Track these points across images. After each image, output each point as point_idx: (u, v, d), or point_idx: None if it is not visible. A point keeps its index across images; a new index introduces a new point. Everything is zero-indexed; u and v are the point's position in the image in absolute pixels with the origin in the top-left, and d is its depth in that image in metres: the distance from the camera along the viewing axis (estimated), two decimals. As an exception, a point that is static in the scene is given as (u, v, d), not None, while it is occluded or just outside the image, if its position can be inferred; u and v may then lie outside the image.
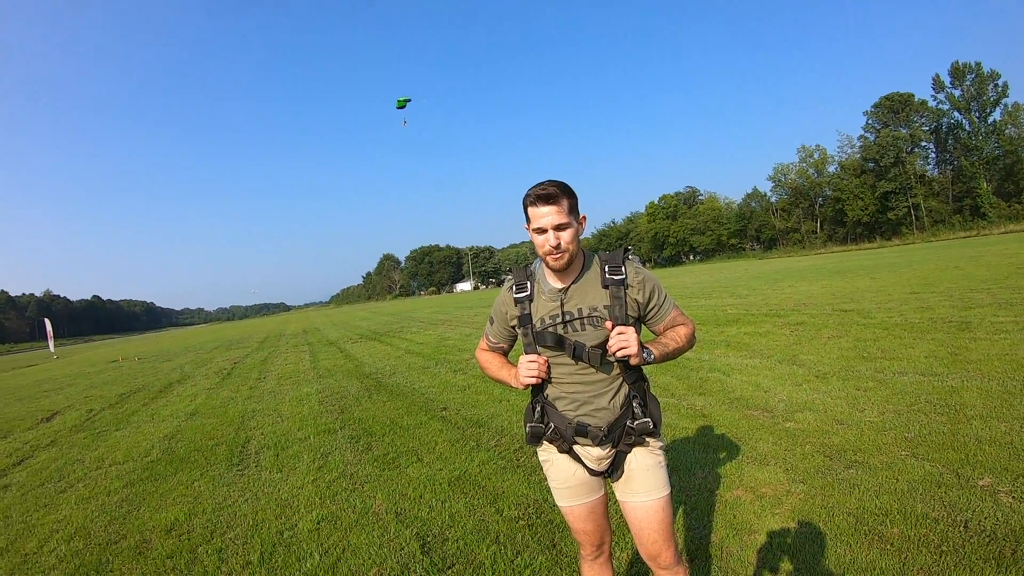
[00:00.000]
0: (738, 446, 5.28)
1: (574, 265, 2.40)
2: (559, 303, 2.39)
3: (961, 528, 3.51)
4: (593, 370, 2.38)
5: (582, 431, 2.42)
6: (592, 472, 2.50)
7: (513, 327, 2.59)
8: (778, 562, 3.43)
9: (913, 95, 73.46)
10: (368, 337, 23.53)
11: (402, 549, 4.17)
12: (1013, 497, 3.80)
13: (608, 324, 2.32)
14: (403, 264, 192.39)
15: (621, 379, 2.42)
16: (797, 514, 3.92)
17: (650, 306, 2.45)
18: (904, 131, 72.39)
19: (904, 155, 71.71)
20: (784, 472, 4.59)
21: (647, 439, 2.44)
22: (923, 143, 73.44)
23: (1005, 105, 66.92)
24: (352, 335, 26.01)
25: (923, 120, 72.92)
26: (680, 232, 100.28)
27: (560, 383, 2.45)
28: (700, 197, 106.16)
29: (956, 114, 70.54)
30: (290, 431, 8.08)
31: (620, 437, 2.43)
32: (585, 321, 2.36)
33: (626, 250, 2.47)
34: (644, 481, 2.44)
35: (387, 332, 24.80)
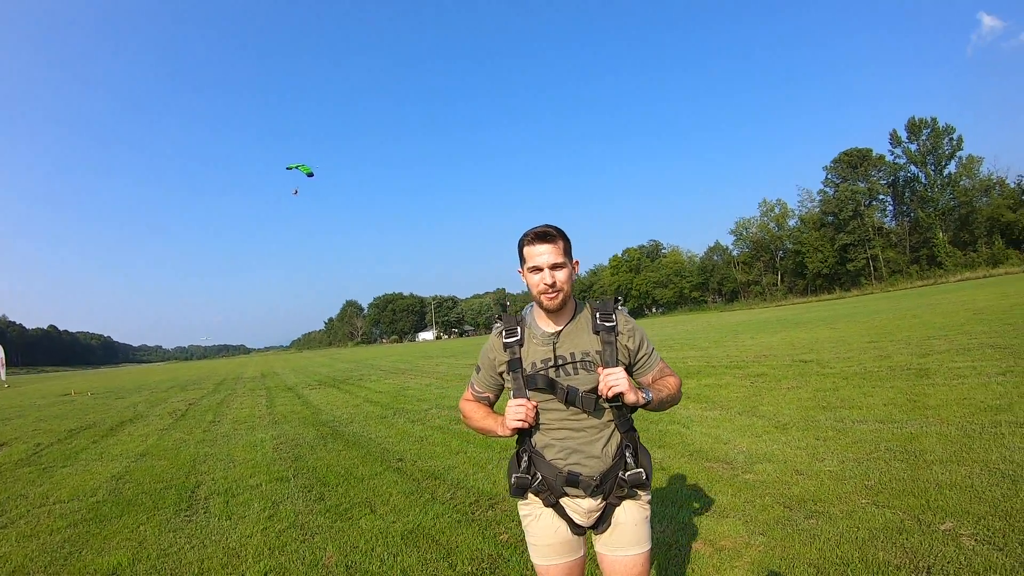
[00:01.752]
0: (697, 499, 5.25)
1: (566, 309, 2.42)
2: (551, 347, 2.40)
3: (924, 574, 3.51)
4: (584, 416, 2.36)
5: (573, 481, 2.37)
6: (576, 529, 2.44)
7: (501, 374, 2.55)
8: (738, 618, 3.37)
9: (871, 150, 77.09)
10: (327, 384, 23.17)
11: (349, 610, 4.02)
12: (976, 540, 3.82)
13: (600, 369, 2.30)
14: (366, 311, 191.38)
15: (613, 427, 2.40)
16: (757, 566, 3.88)
17: (639, 355, 2.47)
18: (862, 185, 75.41)
19: (862, 208, 74.44)
20: (743, 524, 4.56)
21: (638, 492, 2.42)
22: (881, 196, 76.67)
23: (960, 158, 70.65)
24: (311, 381, 25.56)
25: (881, 174, 76.17)
26: (643, 285, 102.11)
27: (549, 430, 2.42)
28: (663, 250, 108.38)
29: (912, 168, 74.10)
30: (242, 477, 7.84)
31: (611, 489, 2.39)
32: (578, 365, 2.37)
33: (616, 300, 2.50)
34: (630, 535, 2.41)
35: (346, 379, 24.45)
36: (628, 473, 2.37)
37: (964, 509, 4.29)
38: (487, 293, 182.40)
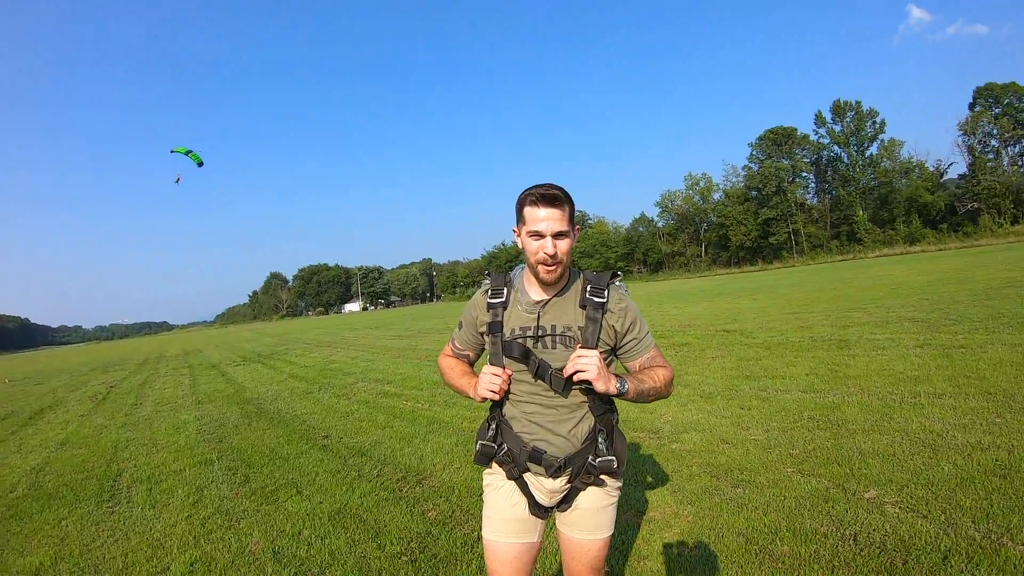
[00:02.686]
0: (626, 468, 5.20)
1: (561, 279, 2.26)
2: (535, 316, 2.25)
3: (851, 542, 3.54)
4: (554, 394, 2.23)
5: (536, 457, 2.26)
6: (535, 509, 2.34)
7: (482, 334, 2.42)
8: (666, 589, 3.33)
9: (796, 129, 78.94)
10: (251, 360, 22.63)
11: (274, 594, 3.84)
12: (899, 508, 3.88)
13: (578, 346, 2.18)
14: (291, 283, 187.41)
15: (586, 409, 2.27)
16: (687, 536, 3.86)
17: (628, 338, 2.29)
18: (786, 162, 77.38)
19: (786, 184, 76.43)
20: (671, 494, 4.55)
21: (606, 479, 2.30)
22: (804, 173, 78.99)
23: (882, 140, 73.24)
24: (235, 357, 24.89)
25: (804, 152, 78.30)
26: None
27: (518, 402, 2.31)
28: (589, 221, 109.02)
29: (836, 148, 76.31)
30: (165, 463, 7.51)
31: (578, 472, 2.28)
32: (558, 339, 2.23)
33: (614, 274, 2.33)
34: (590, 520, 2.32)
35: (271, 354, 23.97)
36: (599, 459, 2.25)
37: (887, 477, 4.37)
38: (413, 263, 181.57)
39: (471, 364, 2.59)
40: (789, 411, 6.39)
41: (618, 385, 2.11)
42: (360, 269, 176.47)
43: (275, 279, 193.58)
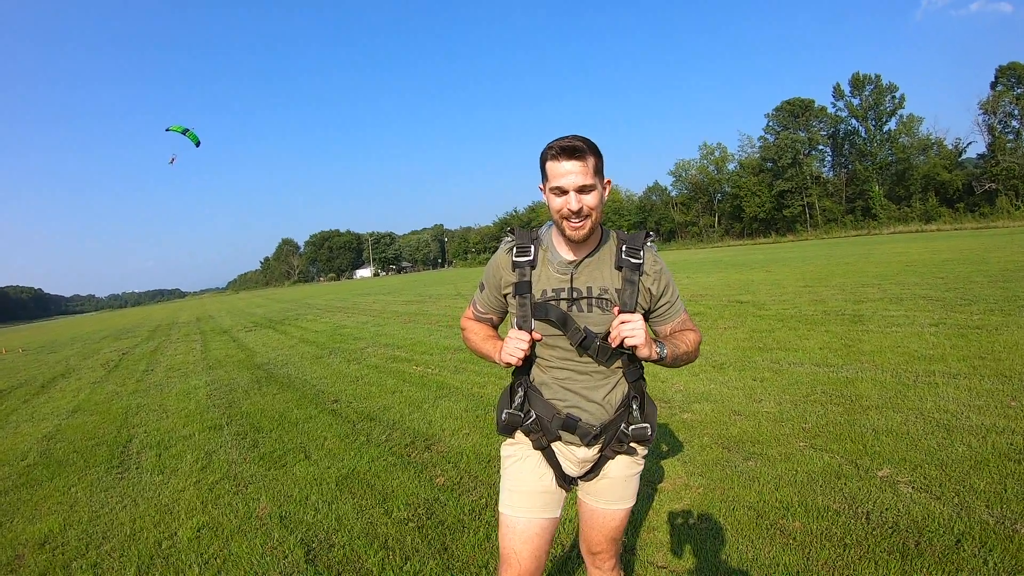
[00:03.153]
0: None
1: (592, 237, 2.13)
2: (568, 276, 2.13)
3: (863, 520, 3.51)
4: (591, 360, 2.13)
5: (570, 425, 2.16)
6: (562, 481, 2.25)
7: (506, 296, 2.28)
8: (679, 559, 3.33)
9: (814, 101, 77.65)
10: (263, 325, 22.79)
11: (286, 558, 3.86)
12: (913, 487, 3.85)
13: (615, 309, 2.07)
14: (302, 249, 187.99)
15: (620, 375, 2.18)
16: (697, 508, 3.85)
17: (662, 302, 2.21)
18: (803, 134, 76.40)
19: (801, 157, 75.59)
20: (682, 465, 4.54)
21: (637, 448, 2.23)
22: (820, 146, 77.90)
23: (900, 116, 71.92)
24: (246, 323, 25.09)
25: (821, 125, 77.17)
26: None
27: (549, 367, 2.19)
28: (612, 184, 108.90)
29: (853, 121, 75.13)
30: (174, 428, 7.59)
31: (610, 441, 2.20)
32: (594, 302, 2.12)
33: (648, 235, 2.22)
34: (617, 490, 2.26)
35: (282, 320, 24.11)
36: (632, 427, 2.18)
37: (901, 456, 4.33)
38: (424, 229, 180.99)
39: (495, 327, 2.47)
40: (802, 384, 6.35)
41: (659, 350, 2.06)
42: (371, 235, 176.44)
43: (287, 245, 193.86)
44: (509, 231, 2.29)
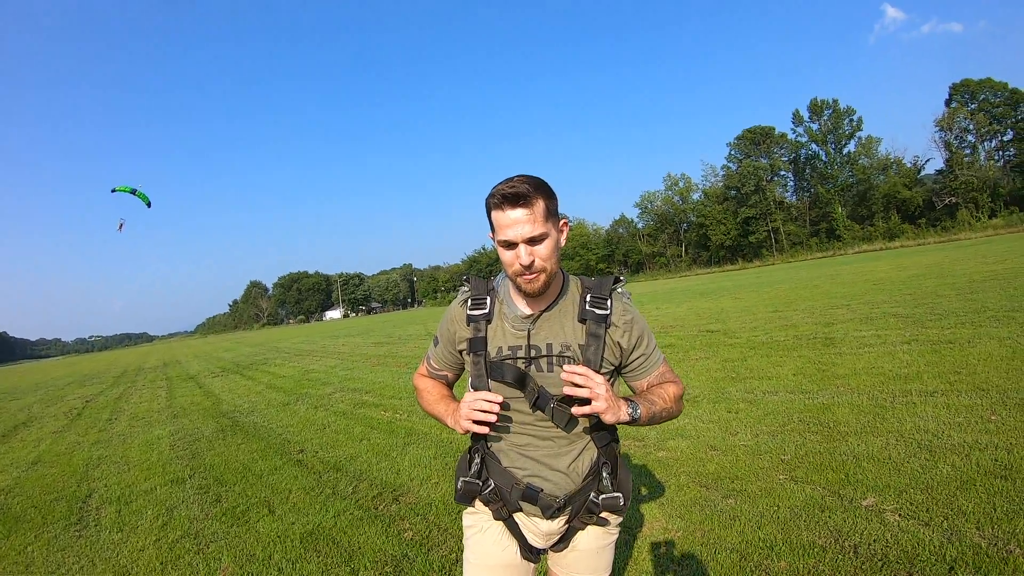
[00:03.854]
0: (609, 480, 5.00)
1: (551, 288, 1.95)
2: (526, 332, 1.95)
3: (851, 554, 3.37)
4: (551, 423, 1.94)
5: (531, 497, 1.97)
6: (527, 553, 2.06)
7: (461, 352, 2.10)
8: (656, 613, 3.13)
9: (774, 128, 79.74)
10: (230, 370, 22.26)
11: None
12: (900, 515, 3.71)
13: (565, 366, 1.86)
14: (271, 291, 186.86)
15: (588, 439, 1.99)
16: (678, 553, 3.67)
17: (635, 355, 2.01)
18: (764, 161, 78.22)
19: (764, 183, 77.15)
20: (659, 507, 4.36)
21: (608, 516, 2.04)
22: (782, 172, 79.86)
23: (859, 137, 74.27)
24: (214, 368, 24.51)
25: (782, 151, 79.16)
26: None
27: (508, 432, 2.00)
28: (569, 223, 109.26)
29: (814, 146, 77.41)
30: (136, 482, 7.25)
31: (578, 511, 2.00)
32: (554, 360, 1.92)
33: (616, 280, 2.03)
34: (589, 562, 2.08)
35: (250, 364, 23.62)
36: (603, 497, 1.98)
37: (884, 483, 4.20)
38: (394, 269, 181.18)
39: (450, 386, 2.28)
40: (778, 414, 6.22)
41: (630, 411, 1.85)
42: (340, 276, 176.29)
43: (255, 287, 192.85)
44: (464, 279, 2.13)
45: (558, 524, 2.02)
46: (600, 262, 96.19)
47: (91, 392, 21.40)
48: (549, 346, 1.92)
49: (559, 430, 1.94)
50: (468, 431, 1.93)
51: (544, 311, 1.96)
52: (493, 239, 1.91)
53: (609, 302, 1.96)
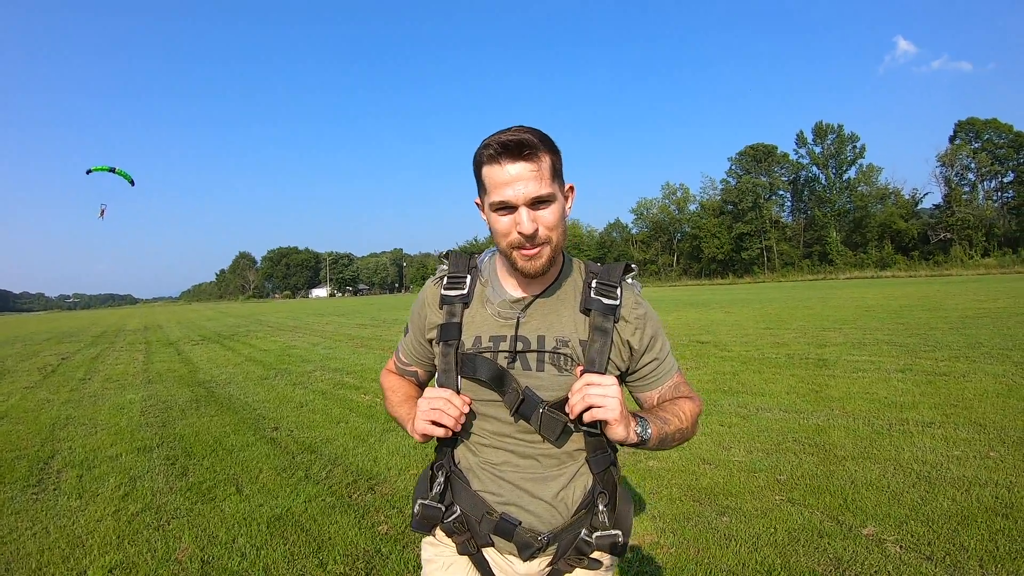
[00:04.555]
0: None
1: (551, 268, 1.55)
2: (513, 322, 1.55)
3: (852, 587, 3.20)
4: (540, 439, 1.54)
5: (506, 531, 1.56)
6: None
7: (431, 341, 1.68)
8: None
9: (776, 147, 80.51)
10: (211, 339, 22.08)
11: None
12: (901, 547, 3.58)
13: (579, 370, 1.48)
14: (259, 264, 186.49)
15: (582, 461, 1.58)
16: (669, 569, 3.51)
17: (646, 359, 1.61)
18: (764, 179, 78.84)
19: (762, 201, 77.66)
20: (651, 520, 4.19)
21: (602, 557, 1.60)
22: (781, 191, 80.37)
23: (860, 165, 75.02)
24: (194, 336, 24.33)
25: (783, 171, 79.88)
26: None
27: (482, 446, 1.60)
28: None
29: (814, 168, 78.15)
30: (101, 446, 7.03)
31: (565, 551, 1.57)
32: (546, 357, 1.52)
33: (628, 267, 1.63)
34: None
35: (232, 335, 23.45)
36: (598, 535, 1.54)
37: (884, 512, 4.07)
38: (384, 253, 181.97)
39: (421, 386, 1.86)
40: (772, 431, 6.08)
41: (638, 429, 1.44)
42: (330, 255, 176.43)
43: (243, 259, 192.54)
44: (443, 257, 1.74)
45: (539, 566, 1.61)
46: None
47: (68, 350, 21.14)
48: (541, 339, 1.53)
49: (546, 446, 1.54)
50: (424, 436, 1.52)
51: (539, 296, 1.58)
52: (480, 205, 1.54)
53: (619, 291, 1.57)
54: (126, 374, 13.64)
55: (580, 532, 1.56)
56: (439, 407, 1.47)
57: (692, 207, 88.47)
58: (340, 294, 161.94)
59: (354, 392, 9.60)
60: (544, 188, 1.40)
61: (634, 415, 1.47)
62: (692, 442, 5.83)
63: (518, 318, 1.55)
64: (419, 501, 1.63)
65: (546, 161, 1.42)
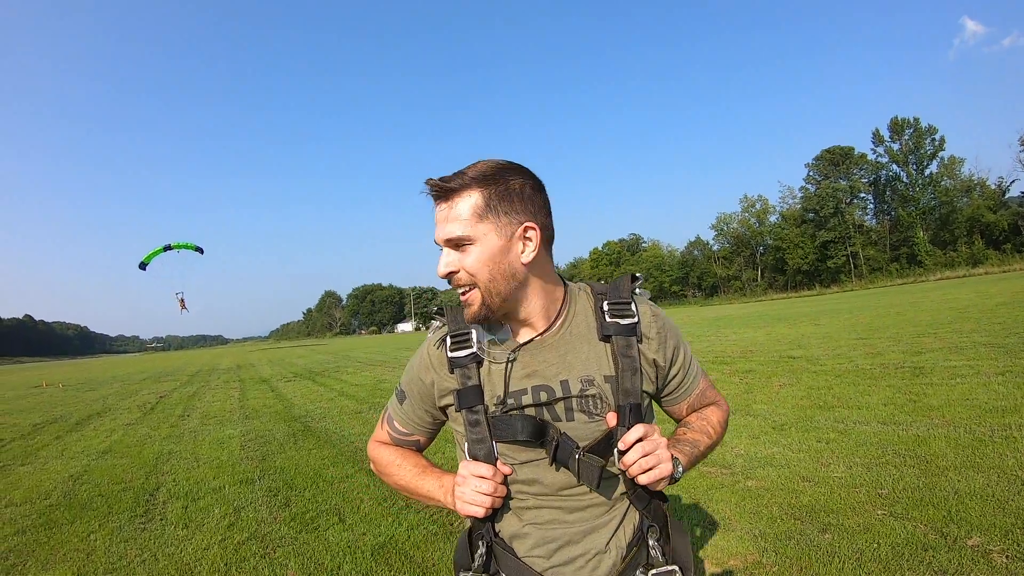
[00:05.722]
0: (697, 509, 4.91)
1: (530, 306, 1.44)
2: (526, 369, 1.44)
3: (960, 599, 3.20)
4: (585, 490, 1.42)
5: None
6: None
7: (444, 409, 1.56)
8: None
9: (853, 148, 77.99)
10: (303, 376, 22.81)
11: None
12: (1007, 557, 3.53)
13: (611, 416, 1.39)
14: (344, 302, 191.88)
15: (627, 502, 1.47)
16: (773, 589, 3.55)
17: (672, 373, 1.51)
18: (844, 183, 76.38)
19: (843, 206, 75.25)
20: (752, 539, 4.23)
21: None
22: (862, 194, 77.76)
23: (941, 158, 71.97)
24: (286, 373, 25.19)
25: (862, 172, 77.20)
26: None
27: (524, 508, 1.46)
28: (643, 244, 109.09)
29: (894, 167, 75.18)
30: (204, 479, 7.45)
31: None
32: (574, 403, 1.40)
33: (633, 278, 1.53)
34: None
35: (323, 371, 24.07)
36: (653, 572, 1.39)
37: (989, 522, 4.00)
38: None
39: (421, 451, 1.73)
40: (871, 445, 5.99)
41: (676, 474, 1.39)
42: (414, 290, 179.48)
43: (329, 297, 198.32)
44: (437, 312, 1.65)
45: None
46: (674, 284, 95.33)
47: (165, 388, 22.22)
48: (565, 384, 1.40)
49: (594, 496, 1.43)
50: (471, 515, 1.43)
51: (544, 332, 1.46)
52: None
53: (633, 306, 1.45)
54: (223, 410, 14.28)
55: (635, 573, 1.43)
56: (486, 491, 1.39)
57: (772, 218, 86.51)
58: (425, 327, 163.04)
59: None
60: (456, 230, 1.34)
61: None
62: (791, 459, 5.84)
63: (527, 364, 1.44)
64: (461, 571, 1.46)
65: (469, 201, 1.34)
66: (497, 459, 1.42)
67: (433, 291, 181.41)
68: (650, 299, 1.54)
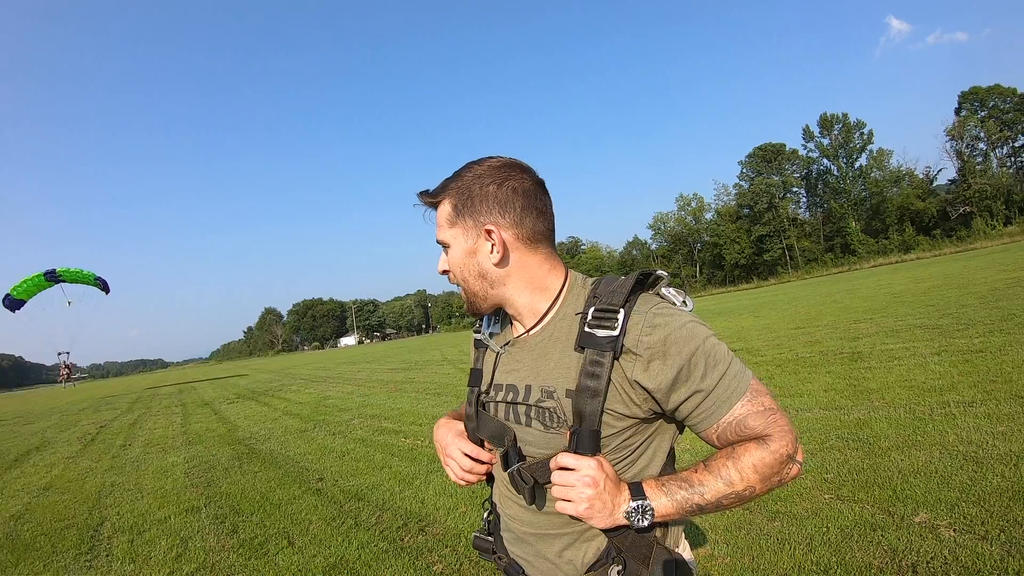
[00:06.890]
0: (647, 505, 4.86)
1: (515, 303, 1.41)
2: (505, 366, 1.46)
3: (910, 573, 3.24)
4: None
5: None
6: None
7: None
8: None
9: (785, 145, 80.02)
10: (245, 397, 22.26)
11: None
12: (955, 530, 3.58)
13: (566, 433, 1.28)
14: (285, 318, 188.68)
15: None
16: (726, 580, 3.52)
17: (678, 397, 1.24)
18: (776, 178, 78.28)
19: (777, 200, 77.13)
20: (702, 532, 4.22)
21: None
22: (795, 188, 79.79)
23: (870, 151, 74.24)
24: (229, 394, 24.55)
25: (794, 168, 79.24)
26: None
27: (501, 495, 1.53)
28: (582, 247, 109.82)
29: (825, 161, 77.20)
30: (149, 510, 7.14)
31: None
32: (532, 412, 1.34)
33: (642, 276, 1.34)
34: None
35: (265, 391, 23.57)
36: None
37: (935, 497, 4.06)
38: (408, 295, 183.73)
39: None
40: (814, 431, 6.07)
41: (629, 518, 1.23)
42: (355, 302, 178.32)
43: (270, 314, 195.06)
44: None
45: None
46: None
47: (105, 417, 21.40)
48: (528, 389, 1.35)
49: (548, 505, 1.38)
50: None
51: (529, 330, 1.42)
52: None
53: (621, 316, 1.24)
54: (165, 437, 13.79)
55: None
56: (464, 469, 1.49)
57: (708, 215, 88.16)
58: (368, 340, 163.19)
59: (394, 437, 9.65)
60: (438, 235, 1.42)
61: (630, 486, 1.26)
62: (736, 451, 5.84)
63: (495, 358, 1.49)
64: (477, 531, 1.61)
65: (444, 208, 1.40)
66: (484, 443, 1.51)
67: (374, 303, 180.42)
68: (682, 297, 1.36)
